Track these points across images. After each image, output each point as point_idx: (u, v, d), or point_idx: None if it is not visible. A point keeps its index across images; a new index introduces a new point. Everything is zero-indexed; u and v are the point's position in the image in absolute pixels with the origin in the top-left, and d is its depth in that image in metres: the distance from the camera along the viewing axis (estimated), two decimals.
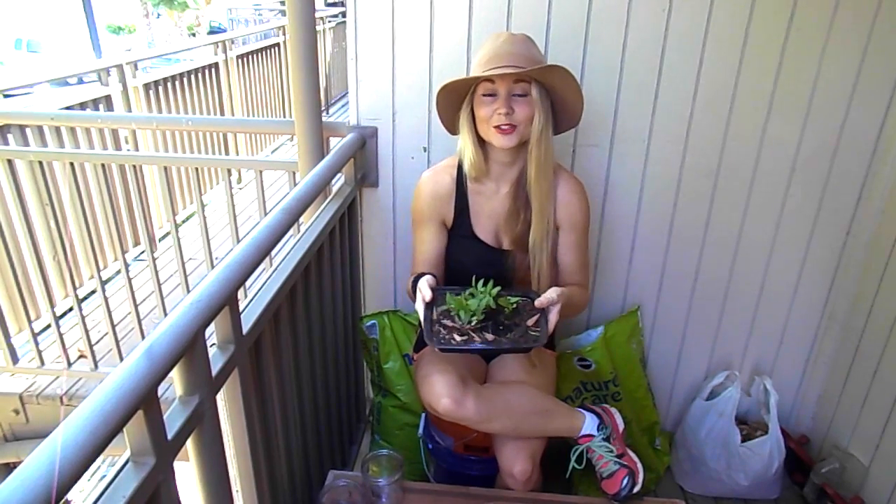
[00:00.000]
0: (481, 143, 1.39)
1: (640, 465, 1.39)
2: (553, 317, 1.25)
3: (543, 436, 1.39)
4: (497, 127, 1.31)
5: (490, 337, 1.23)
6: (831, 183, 1.76)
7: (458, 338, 1.23)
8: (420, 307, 1.27)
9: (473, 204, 1.45)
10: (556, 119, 1.38)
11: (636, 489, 1.35)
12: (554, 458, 1.47)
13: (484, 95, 1.32)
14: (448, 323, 1.26)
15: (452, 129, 1.44)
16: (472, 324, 1.23)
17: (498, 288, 1.27)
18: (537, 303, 1.26)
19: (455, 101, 1.38)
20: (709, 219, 1.82)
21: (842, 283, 1.86)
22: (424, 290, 1.27)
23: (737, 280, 1.89)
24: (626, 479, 1.34)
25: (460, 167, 1.44)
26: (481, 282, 1.28)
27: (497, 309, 1.27)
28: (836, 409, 1.91)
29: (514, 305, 1.28)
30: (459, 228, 1.46)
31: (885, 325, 1.70)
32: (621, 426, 1.44)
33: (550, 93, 1.33)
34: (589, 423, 1.39)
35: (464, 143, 1.39)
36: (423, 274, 1.33)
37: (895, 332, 1.67)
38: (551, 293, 1.25)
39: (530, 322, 1.26)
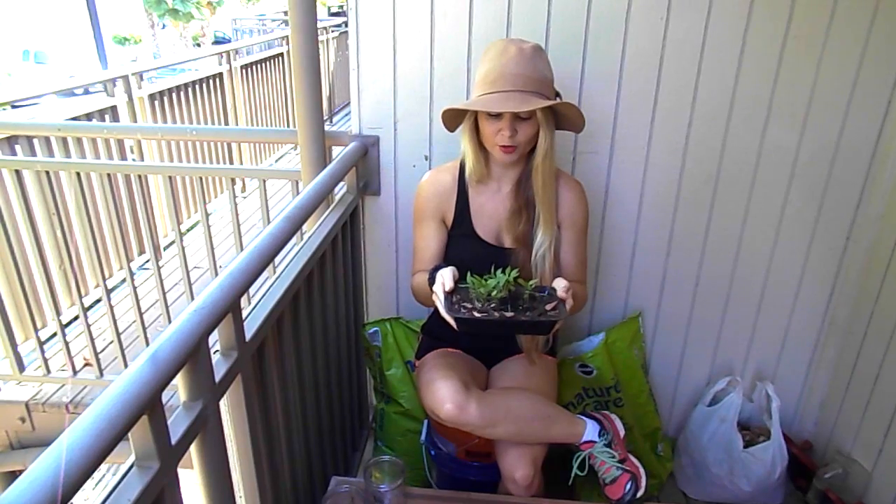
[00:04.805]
0: (483, 148, 1.41)
1: (642, 470, 1.39)
2: (569, 301, 1.25)
3: (545, 442, 1.40)
4: (500, 145, 1.34)
5: (509, 314, 1.22)
6: (830, 188, 1.76)
7: (477, 315, 1.22)
8: (439, 290, 1.26)
9: (474, 203, 1.46)
10: (558, 124, 1.39)
11: (639, 494, 1.35)
12: (556, 464, 1.48)
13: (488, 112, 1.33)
14: (468, 305, 1.24)
15: (454, 130, 1.46)
16: (492, 305, 1.23)
17: (516, 272, 1.26)
18: (555, 283, 1.27)
19: (458, 110, 1.39)
20: (709, 225, 1.83)
21: (843, 288, 1.86)
22: (447, 278, 1.26)
23: (738, 285, 1.89)
24: (630, 483, 1.34)
25: (462, 168, 1.46)
26: (500, 270, 1.27)
27: (516, 293, 1.26)
28: (838, 415, 1.90)
29: (532, 288, 1.27)
30: (460, 227, 1.47)
31: (887, 329, 1.70)
32: (622, 432, 1.44)
33: (553, 108, 1.35)
34: (590, 430, 1.40)
35: (465, 149, 1.41)
36: (439, 267, 1.32)
37: None
38: (562, 281, 1.27)
39: (548, 307, 1.26)
